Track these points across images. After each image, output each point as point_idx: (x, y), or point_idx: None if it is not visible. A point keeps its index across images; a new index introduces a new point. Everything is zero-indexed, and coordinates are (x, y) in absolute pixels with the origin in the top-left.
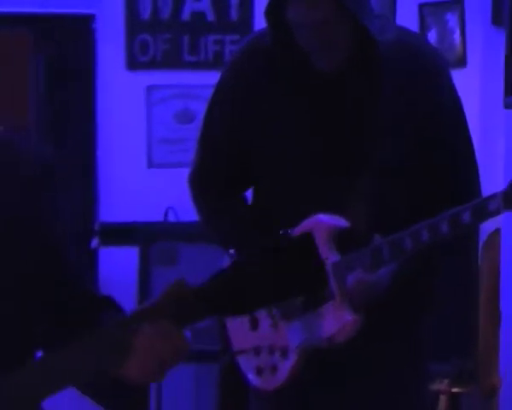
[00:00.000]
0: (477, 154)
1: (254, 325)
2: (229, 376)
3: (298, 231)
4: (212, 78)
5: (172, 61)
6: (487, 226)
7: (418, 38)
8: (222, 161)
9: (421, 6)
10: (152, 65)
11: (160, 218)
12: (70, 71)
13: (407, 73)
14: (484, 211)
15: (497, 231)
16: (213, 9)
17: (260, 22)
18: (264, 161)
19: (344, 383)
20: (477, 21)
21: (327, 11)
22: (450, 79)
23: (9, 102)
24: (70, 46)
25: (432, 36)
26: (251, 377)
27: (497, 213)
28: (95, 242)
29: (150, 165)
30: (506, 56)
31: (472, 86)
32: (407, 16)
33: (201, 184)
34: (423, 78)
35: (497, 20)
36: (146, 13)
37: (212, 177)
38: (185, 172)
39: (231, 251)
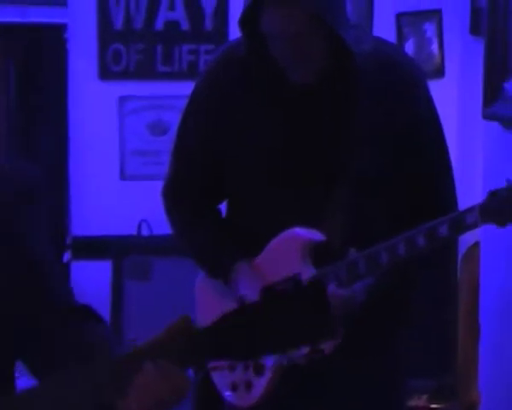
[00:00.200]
0: (455, 164)
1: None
2: (203, 392)
3: (274, 244)
4: (186, 88)
5: (146, 71)
6: (466, 239)
7: (395, 49)
8: (196, 173)
9: (398, 16)
10: (125, 75)
11: (133, 231)
12: (42, 81)
13: (384, 84)
14: (461, 224)
15: (477, 244)
16: (187, 19)
17: (235, 32)
18: (238, 172)
19: (321, 399)
20: (455, 31)
21: (301, 22)
22: (427, 90)
23: None
24: (42, 56)
25: (410, 46)
26: (225, 393)
27: (474, 226)
28: (67, 255)
29: (123, 177)
30: (484, 66)
31: (450, 96)
32: (385, 26)
33: (175, 195)
34: (400, 89)
35: (475, 29)
36: (118, 22)
37: (186, 189)
38: (159, 185)
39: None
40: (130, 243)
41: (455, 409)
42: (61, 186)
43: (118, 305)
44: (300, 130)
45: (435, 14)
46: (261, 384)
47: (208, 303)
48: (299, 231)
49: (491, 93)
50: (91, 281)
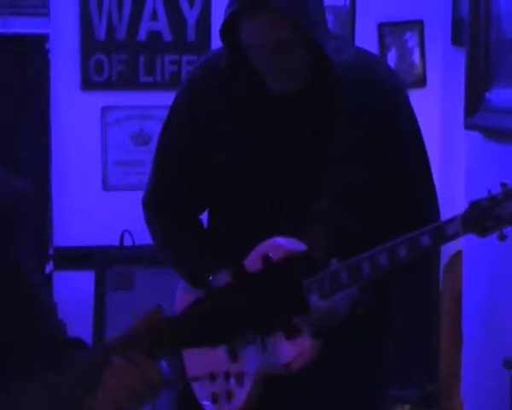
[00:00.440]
0: (437, 174)
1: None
2: (184, 403)
3: (254, 253)
4: (168, 99)
5: (128, 81)
6: (448, 249)
7: (376, 60)
8: (177, 183)
9: (380, 26)
10: (107, 85)
11: (115, 241)
12: (24, 91)
13: (364, 94)
14: (443, 234)
15: (459, 253)
16: (170, 29)
17: (218, 43)
18: (219, 183)
19: (304, 409)
20: (437, 41)
21: (281, 31)
22: (407, 101)
23: None
24: (24, 66)
25: (391, 56)
26: (206, 403)
27: (456, 236)
28: (49, 266)
29: (105, 187)
30: (466, 77)
31: (432, 106)
32: (366, 36)
33: (156, 206)
34: (381, 99)
35: (456, 40)
36: (101, 33)
37: (166, 199)
38: (141, 195)
39: (209, 278)
40: (112, 253)
41: None
42: (44, 196)
43: (101, 315)
44: (281, 140)
45: (417, 25)
46: (242, 394)
47: None
48: (281, 240)
49: (473, 103)
50: (74, 292)
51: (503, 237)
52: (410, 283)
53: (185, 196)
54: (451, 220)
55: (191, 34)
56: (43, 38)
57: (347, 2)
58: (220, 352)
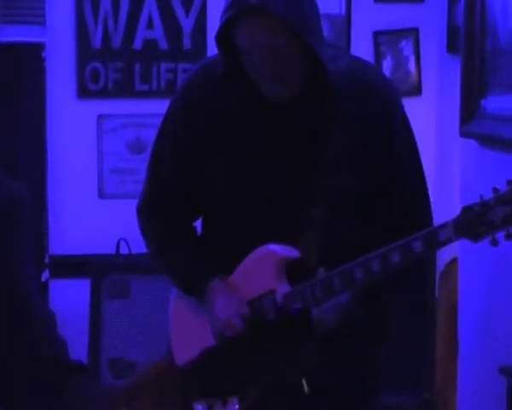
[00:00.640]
0: (433, 182)
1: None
2: None
3: (249, 260)
4: (164, 107)
5: (124, 89)
6: (444, 256)
7: (370, 68)
8: (171, 191)
9: (376, 34)
10: (103, 94)
11: (111, 250)
12: (20, 100)
13: (360, 103)
14: (435, 240)
15: (455, 260)
16: (166, 37)
17: (213, 51)
18: (214, 190)
19: None
20: (432, 49)
21: (278, 36)
22: (402, 110)
23: None
24: (20, 75)
25: (387, 64)
26: (198, 408)
27: (448, 241)
28: (45, 274)
29: (101, 195)
30: (461, 84)
31: (427, 114)
32: (362, 44)
33: (150, 213)
34: (376, 108)
35: (452, 48)
36: (97, 41)
37: (160, 206)
38: None
39: (202, 285)
40: (108, 261)
41: None
42: (40, 204)
43: (96, 324)
44: (276, 147)
45: (412, 33)
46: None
47: (182, 321)
48: (274, 247)
49: (468, 111)
50: (70, 300)
51: (495, 243)
52: (406, 290)
53: (179, 204)
54: (443, 226)
55: (187, 42)
56: (39, 47)
57: (343, 11)
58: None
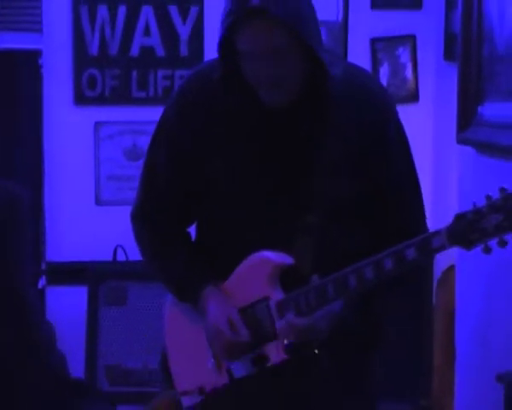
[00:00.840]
0: (430, 189)
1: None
2: None
3: (243, 266)
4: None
5: (121, 96)
6: (441, 263)
7: (365, 75)
8: (165, 197)
9: (373, 41)
10: (100, 100)
11: (108, 257)
12: (17, 107)
13: (355, 110)
14: (428, 247)
15: (452, 267)
16: (163, 44)
17: (210, 57)
18: (209, 195)
19: None
20: (429, 56)
21: (279, 39)
22: (397, 116)
23: None
24: (17, 82)
25: (384, 71)
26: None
27: (442, 248)
28: (42, 281)
29: (98, 202)
30: (458, 91)
31: (424, 121)
32: (359, 51)
33: (144, 219)
34: (372, 116)
35: (449, 55)
36: (94, 48)
37: (155, 212)
38: None
39: (196, 291)
40: (105, 268)
41: None
42: (37, 211)
43: (94, 331)
44: (272, 153)
45: (409, 40)
46: None
47: (177, 327)
48: (268, 253)
49: (465, 118)
50: (67, 307)
51: (487, 250)
52: (403, 297)
53: (174, 210)
54: (437, 233)
55: (184, 49)
56: (36, 54)
57: (340, 18)
58: (209, 365)
